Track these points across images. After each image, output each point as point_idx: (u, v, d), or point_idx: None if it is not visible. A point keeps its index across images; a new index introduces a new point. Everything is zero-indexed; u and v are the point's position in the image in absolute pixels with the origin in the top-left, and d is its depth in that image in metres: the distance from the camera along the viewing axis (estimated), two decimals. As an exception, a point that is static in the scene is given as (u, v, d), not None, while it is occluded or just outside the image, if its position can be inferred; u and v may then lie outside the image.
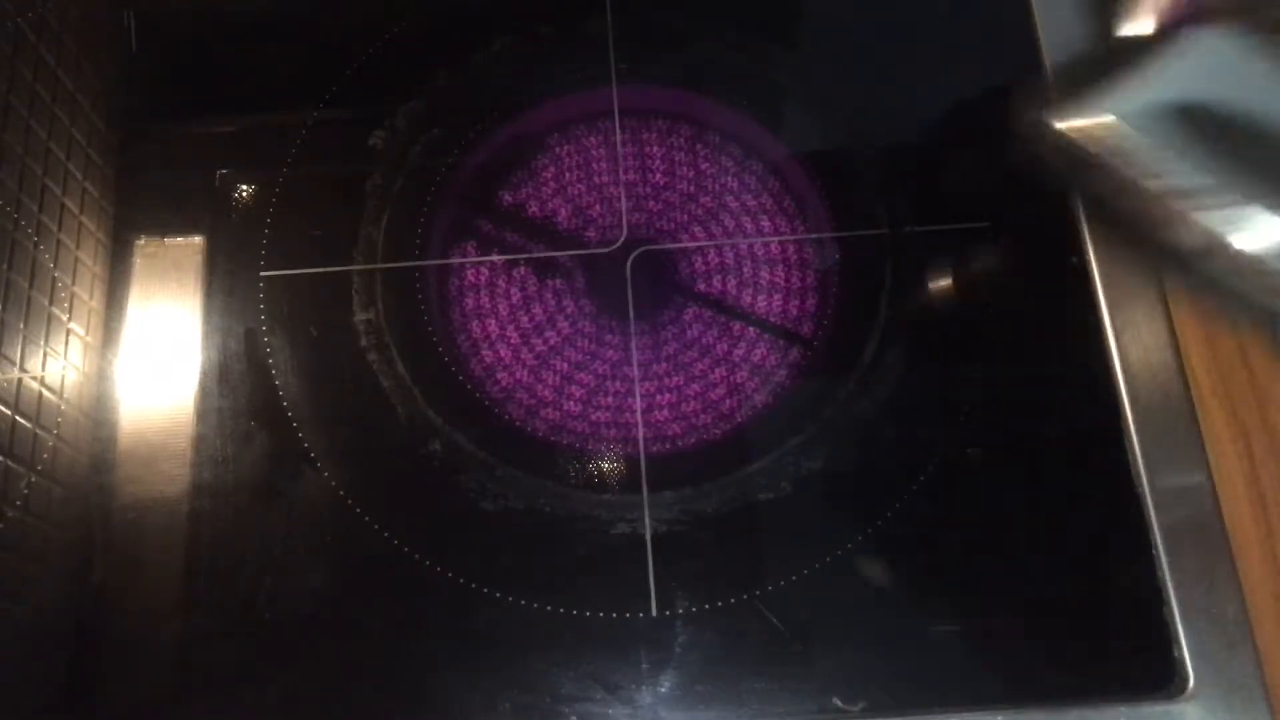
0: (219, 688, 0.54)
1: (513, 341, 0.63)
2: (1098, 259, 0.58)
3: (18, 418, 0.56)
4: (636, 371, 0.61)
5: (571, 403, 0.61)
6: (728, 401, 0.61)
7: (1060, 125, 0.41)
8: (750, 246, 0.64)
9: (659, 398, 0.60)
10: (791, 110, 0.68)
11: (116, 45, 0.67)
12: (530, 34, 0.68)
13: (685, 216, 0.65)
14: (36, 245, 0.58)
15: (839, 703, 0.51)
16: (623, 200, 0.65)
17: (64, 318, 0.59)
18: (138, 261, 0.63)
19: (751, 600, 0.53)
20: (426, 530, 0.56)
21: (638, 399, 0.60)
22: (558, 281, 0.64)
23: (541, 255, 0.64)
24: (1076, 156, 0.41)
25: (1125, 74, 0.40)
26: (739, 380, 0.61)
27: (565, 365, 0.62)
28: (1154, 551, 0.54)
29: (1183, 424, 0.58)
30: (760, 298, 0.63)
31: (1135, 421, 0.57)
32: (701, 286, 0.63)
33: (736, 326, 0.63)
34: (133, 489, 0.57)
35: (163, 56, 0.69)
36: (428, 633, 0.53)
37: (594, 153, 0.67)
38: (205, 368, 0.60)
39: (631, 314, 0.62)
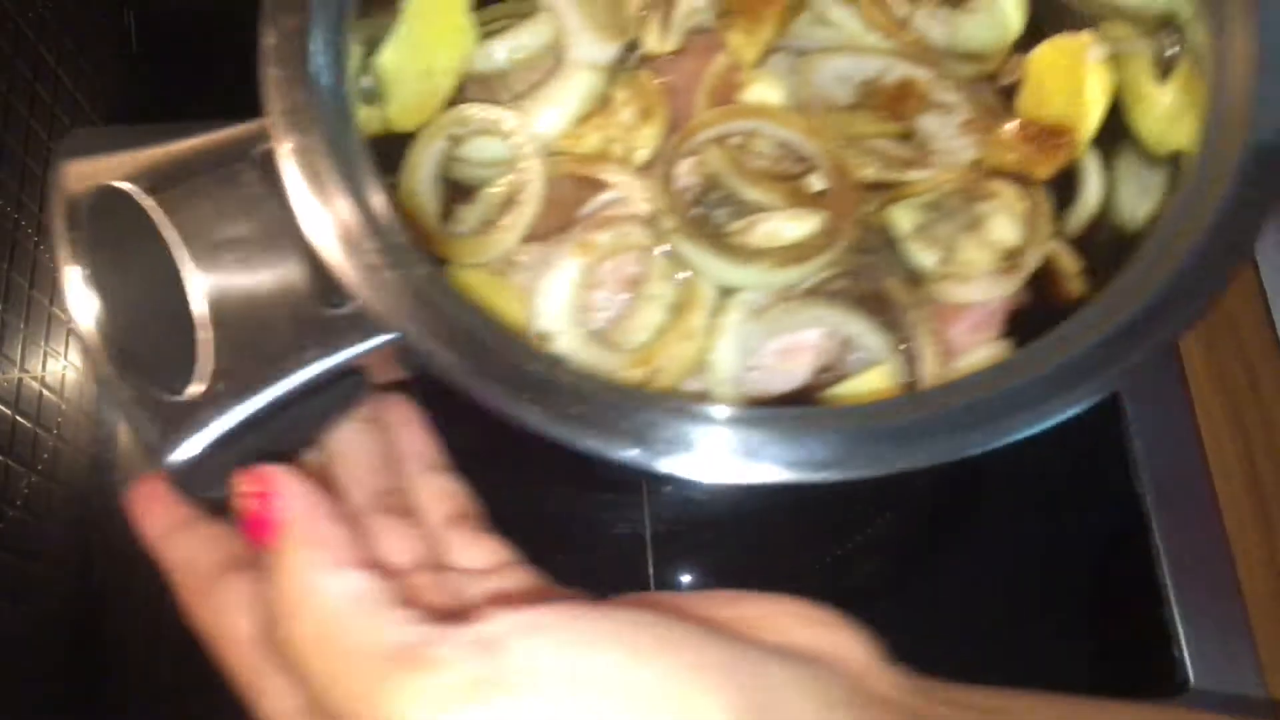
0: (219, 688, 0.53)
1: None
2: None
3: (18, 418, 0.56)
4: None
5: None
6: (728, 401, 0.60)
7: None
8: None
9: (659, 398, 0.60)
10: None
11: (116, 45, 0.67)
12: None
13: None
14: (36, 245, 0.58)
15: (839, 703, 0.51)
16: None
17: (64, 317, 0.59)
18: (138, 261, 0.63)
19: (751, 600, 0.53)
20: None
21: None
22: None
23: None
24: None
25: None
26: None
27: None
28: (1154, 552, 0.54)
29: (1182, 423, 0.58)
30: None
31: (1135, 422, 0.57)
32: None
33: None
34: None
35: (163, 56, 0.69)
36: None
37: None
38: (205, 368, 0.60)
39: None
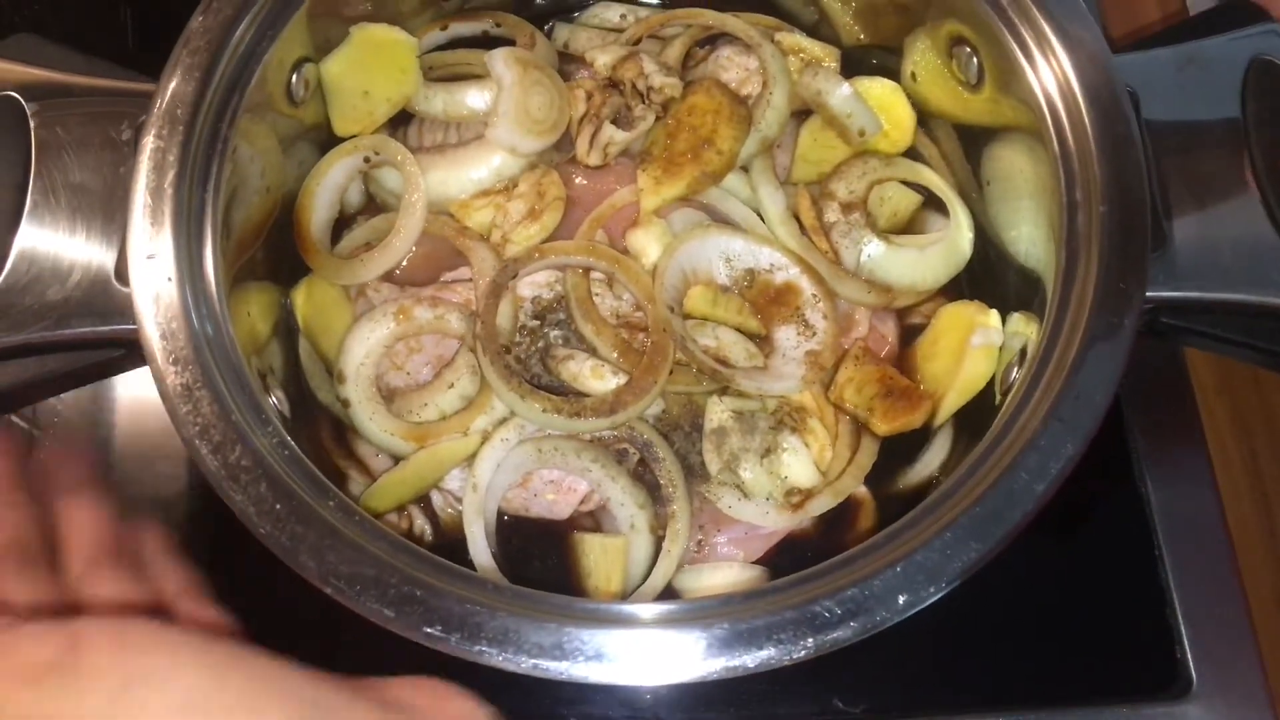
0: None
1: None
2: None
3: (15, 418, 0.56)
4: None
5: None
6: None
7: None
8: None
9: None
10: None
11: (115, 44, 0.67)
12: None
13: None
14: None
15: (840, 704, 0.51)
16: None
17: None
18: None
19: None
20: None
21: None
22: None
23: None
24: None
25: None
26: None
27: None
28: (1157, 553, 0.53)
29: (1186, 424, 0.57)
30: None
31: (1138, 423, 0.56)
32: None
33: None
34: (131, 489, 0.57)
35: (161, 55, 0.68)
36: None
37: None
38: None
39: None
